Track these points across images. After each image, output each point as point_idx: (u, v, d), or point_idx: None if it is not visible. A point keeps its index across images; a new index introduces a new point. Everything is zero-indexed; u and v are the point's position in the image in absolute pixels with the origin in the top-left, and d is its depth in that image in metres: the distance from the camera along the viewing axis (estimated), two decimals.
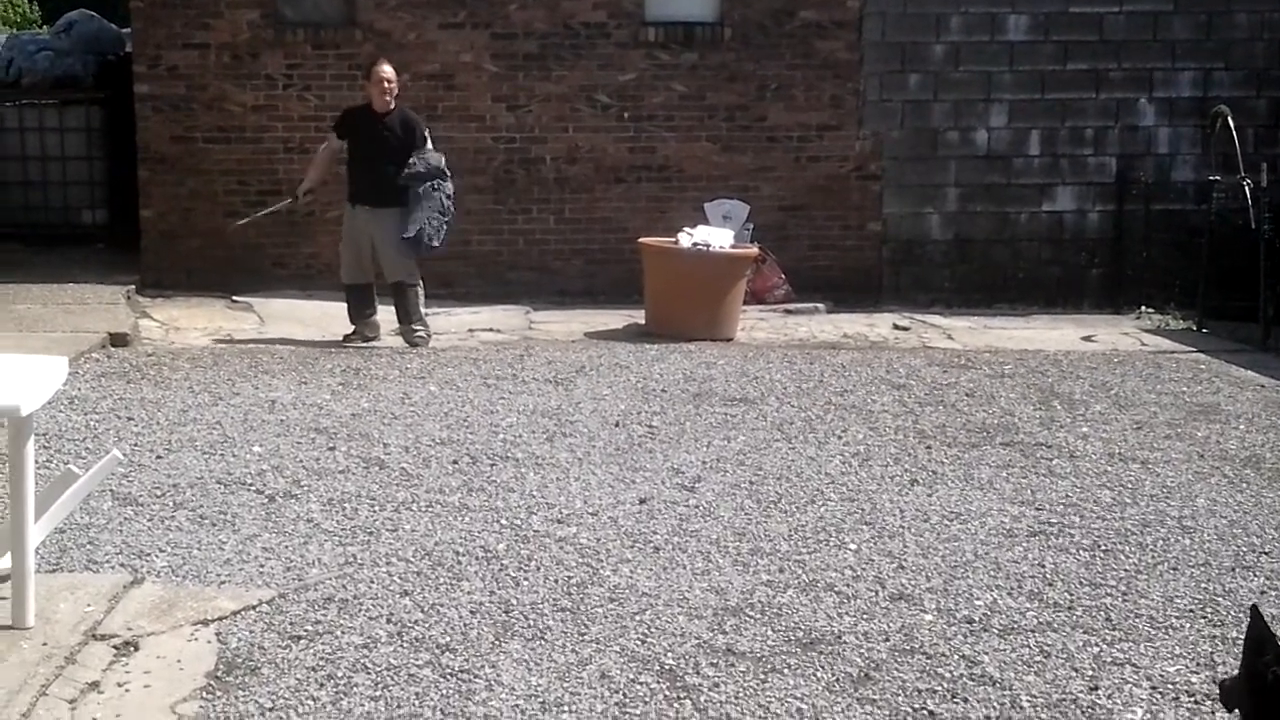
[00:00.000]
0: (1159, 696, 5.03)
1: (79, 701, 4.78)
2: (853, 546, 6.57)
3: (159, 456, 7.82)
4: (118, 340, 10.77)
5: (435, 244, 11.02)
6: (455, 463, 7.83)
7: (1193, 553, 6.59)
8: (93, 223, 14.82)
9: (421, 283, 11.30)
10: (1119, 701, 4.98)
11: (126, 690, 4.89)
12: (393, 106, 11.16)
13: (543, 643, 5.37)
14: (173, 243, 13.24)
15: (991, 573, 6.26)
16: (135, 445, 8.00)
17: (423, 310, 11.33)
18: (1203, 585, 6.16)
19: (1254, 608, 3.51)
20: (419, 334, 11.21)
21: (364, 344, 11.19)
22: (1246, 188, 12.48)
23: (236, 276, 13.06)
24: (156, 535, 6.50)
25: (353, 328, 11.31)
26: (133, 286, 12.64)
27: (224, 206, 13.23)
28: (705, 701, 4.91)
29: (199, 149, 13.19)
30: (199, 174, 13.23)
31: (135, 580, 5.89)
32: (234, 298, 12.74)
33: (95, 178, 14.74)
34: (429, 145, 11.12)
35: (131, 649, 5.22)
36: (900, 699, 4.97)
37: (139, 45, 13.23)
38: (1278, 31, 14.07)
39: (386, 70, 11.16)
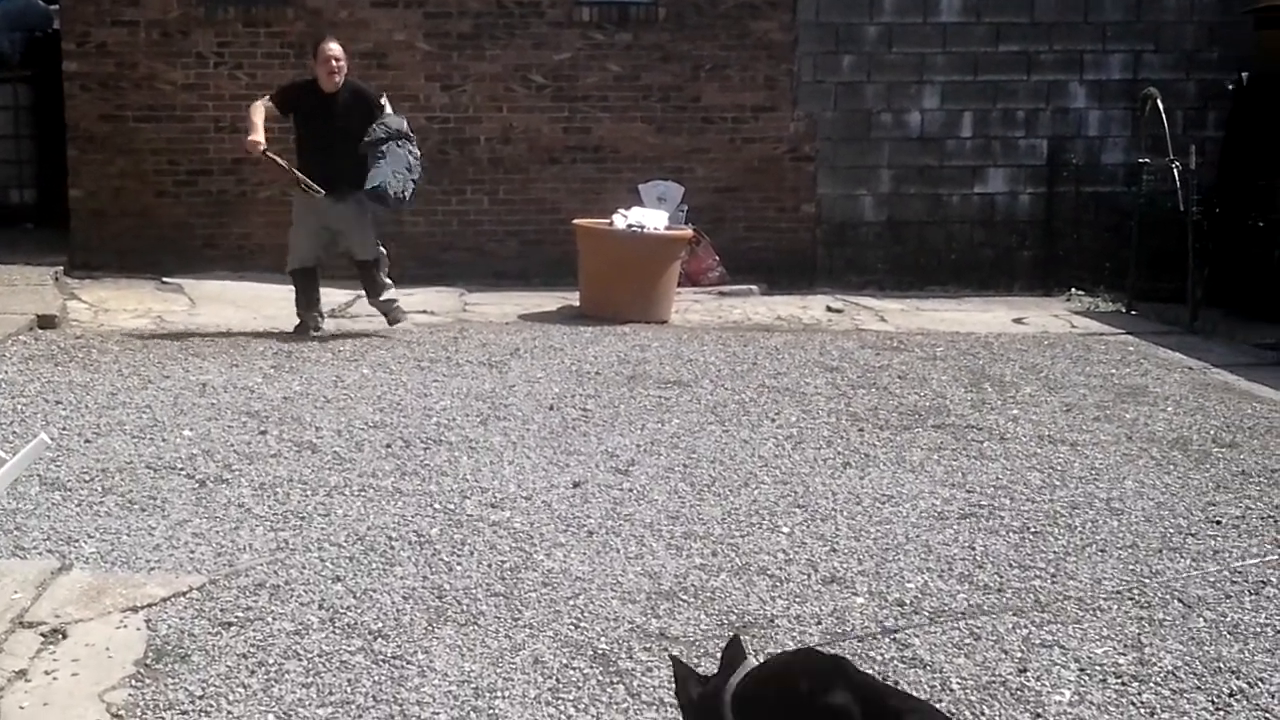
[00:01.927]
0: (1087, 678, 5.09)
1: (6, 690, 4.73)
2: (785, 530, 6.60)
3: (87, 440, 7.74)
4: (45, 322, 10.65)
5: (405, 197, 10.62)
6: (388, 446, 7.80)
7: (1120, 534, 6.66)
8: (20, 202, 14.63)
9: (385, 254, 11.11)
10: (1048, 683, 5.03)
11: (54, 678, 4.84)
12: (340, 84, 10.69)
13: (476, 628, 5.36)
14: (102, 223, 13.10)
15: (923, 555, 6.31)
16: (63, 429, 7.92)
17: (389, 279, 11.12)
18: (1130, 567, 6.23)
19: (674, 658, 4.18)
20: (398, 305, 11.06)
21: (316, 334, 10.85)
22: (1175, 170, 12.59)
23: (167, 257, 12.94)
24: (85, 521, 6.44)
25: (300, 319, 10.93)
26: (61, 267, 12.50)
27: (154, 186, 13.11)
28: (638, 686, 4.92)
29: (129, 128, 13.05)
30: (129, 153, 13.09)
31: (63, 567, 5.83)
32: (164, 279, 12.63)
33: (23, 156, 14.54)
34: (387, 110, 10.77)
35: (59, 636, 5.17)
36: None
37: (67, 22, 13.06)
38: (1207, 14, 14.21)
39: (333, 48, 10.65)
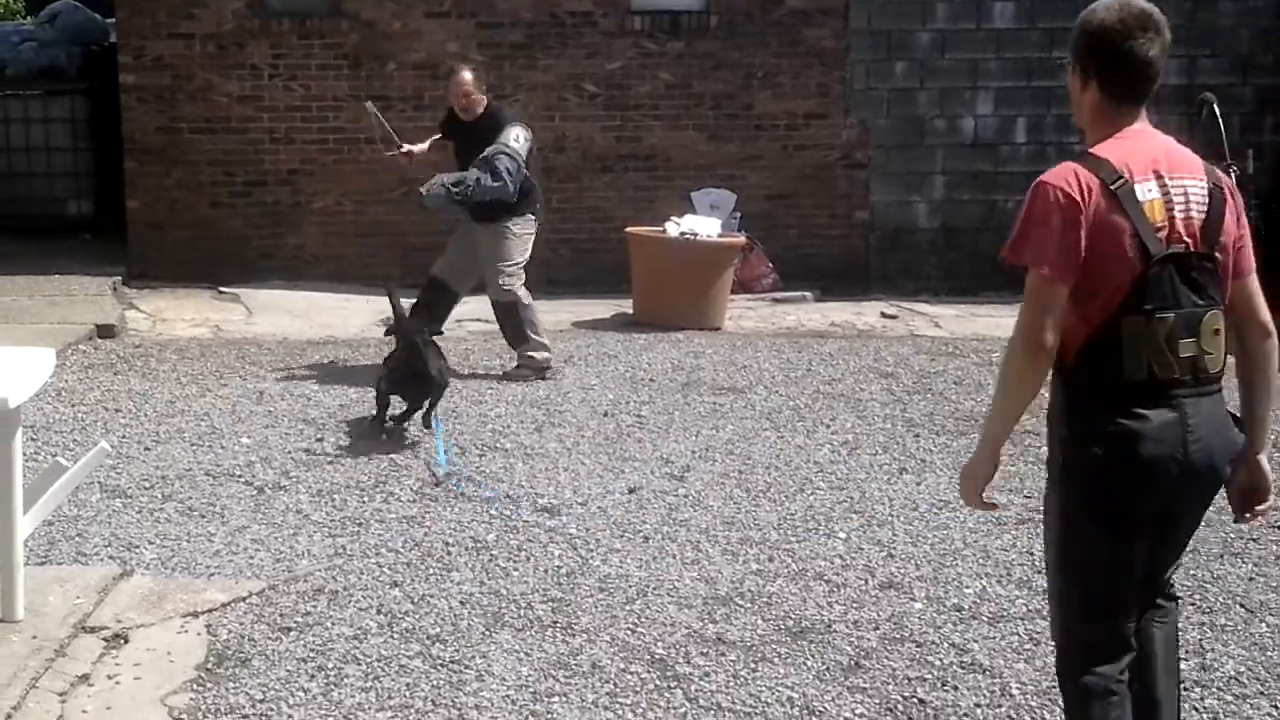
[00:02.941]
0: None
1: (69, 694, 4.79)
2: (842, 535, 6.59)
3: (147, 448, 7.81)
4: (105, 332, 10.74)
5: (427, 192, 9.66)
6: (445, 452, 7.83)
7: None
8: (78, 214, 14.75)
9: (527, 300, 9.95)
10: None
11: (117, 682, 4.89)
12: (481, 113, 9.84)
13: (533, 633, 5.38)
14: (159, 233, 13.19)
15: (980, 560, 6.28)
16: (123, 437, 7.99)
17: (535, 335, 9.91)
18: (1191, 572, 6.18)
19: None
20: (520, 366, 9.87)
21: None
22: (1233, 175, 12.45)
23: (223, 268, 13.02)
24: (145, 527, 6.50)
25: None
26: (119, 278, 12.59)
27: (210, 197, 13.19)
28: (695, 691, 4.92)
29: (185, 139, 13.14)
30: (185, 164, 13.17)
31: (124, 572, 5.90)
32: (221, 289, 12.70)
33: (81, 169, 14.66)
34: (507, 137, 9.65)
35: (121, 641, 5.23)
36: (890, 687, 4.99)
37: (123, 35, 13.17)
38: (1262, 18, 14.08)
39: (462, 78, 9.79)
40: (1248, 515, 4.04)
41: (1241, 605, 5.83)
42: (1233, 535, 6.67)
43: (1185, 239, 3.70)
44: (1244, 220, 3.89)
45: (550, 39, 13.36)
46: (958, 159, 13.95)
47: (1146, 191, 3.69)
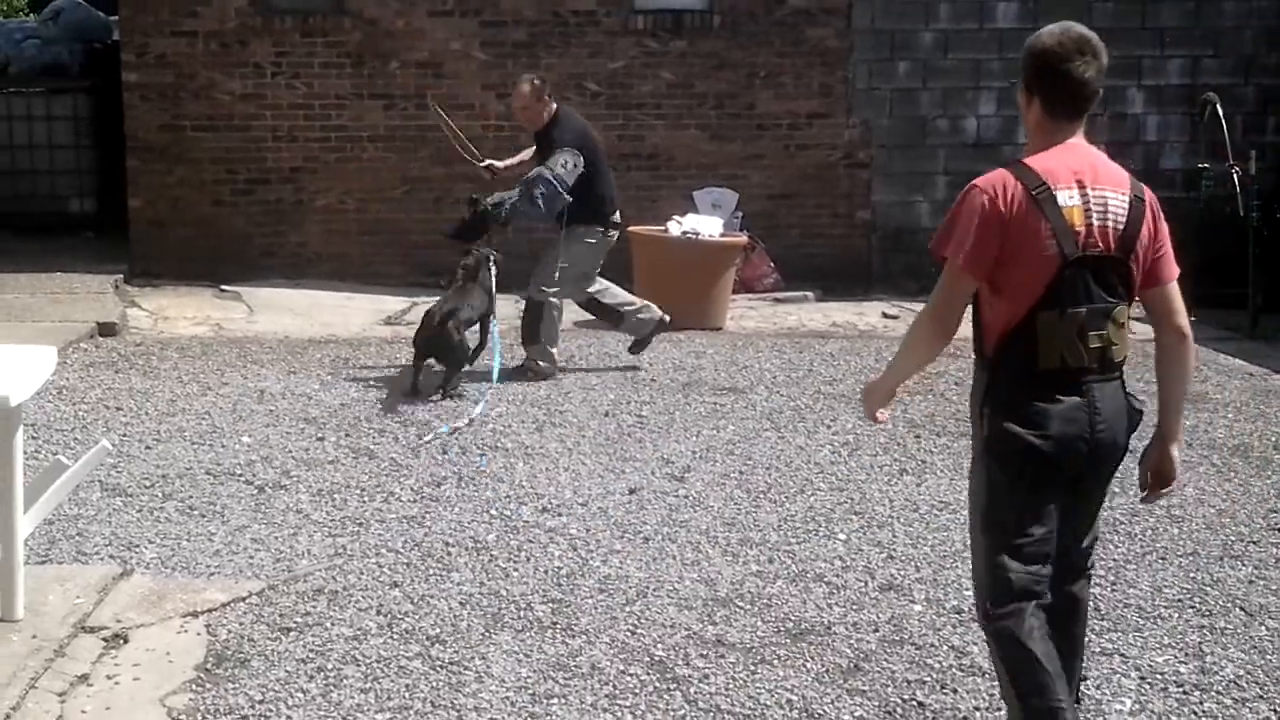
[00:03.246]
0: (1148, 686, 5.06)
1: (68, 694, 4.78)
2: (842, 536, 6.58)
3: (148, 447, 7.81)
4: (106, 330, 10.74)
5: (485, 206, 9.77)
6: (445, 453, 7.83)
7: (1181, 542, 6.61)
8: (81, 211, 14.76)
9: (556, 309, 9.84)
10: (1108, 692, 5.00)
11: (116, 683, 4.89)
12: (546, 123, 9.75)
13: (532, 634, 5.38)
14: (161, 231, 13.20)
15: None
16: (124, 435, 7.99)
17: (548, 344, 9.82)
18: (1191, 575, 6.18)
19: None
20: (524, 366, 9.88)
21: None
22: (1235, 175, 12.48)
23: (225, 266, 13.03)
24: (145, 526, 6.50)
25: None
26: (121, 276, 12.60)
27: (212, 195, 13.20)
28: (695, 693, 4.92)
29: (187, 137, 13.15)
30: (187, 162, 13.18)
31: (124, 572, 5.90)
32: (223, 287, 12.71)
33: (83, 166, 14.67)
34: (558, 153, 9.48)
35: (121, 641, 5.23)
36: (890, 690, 4.99)
37: (126, 33, 13.18)
38: (1266, 18, 14.08)
39: (518, 91, 9.83)
40: (1151, 497, 4.57)
41: (1241, 608, 5.82)
42: (1233, 539, 6.68)
43: (1100, 244, 4.09)
44: (1164, 231, 4.31)
45: (553, 38, 13.37)
46: (960, 159, 13.93)
47: (1068, 199, 4.08)
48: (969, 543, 4.49)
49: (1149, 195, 4.28)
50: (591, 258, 9.89)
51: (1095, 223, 4.09)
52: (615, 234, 10.08)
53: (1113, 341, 4.16)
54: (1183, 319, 4.34)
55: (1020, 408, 4.11)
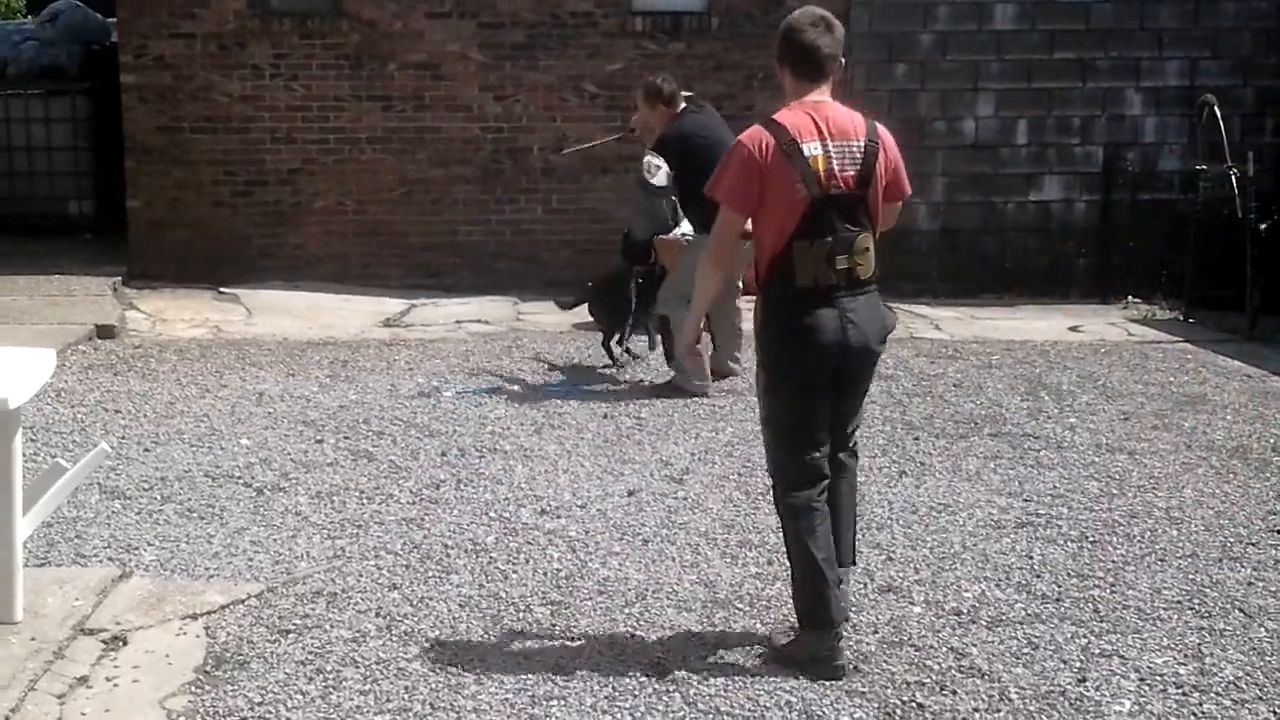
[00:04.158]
0: (1147, 688, 5.06)
1: (67, 696, 4.79)
2: None
3: (147, 449, 7.81)
4: (105, 332, 10.73)
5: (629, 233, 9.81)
6: (443, 455, 7.83)
7: (1180, 544, 6.61)
8: (79, 213, 14.74)
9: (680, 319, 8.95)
10: (1107, 693, 5.01)
11: (115, 685, 4.90)
12: (656, 133, 9.56)
13: (532, 636, 5.38)
14: (159, 233, 13.18)
15: (979, 564, 6.28)
16: (123, 438, 8.00)
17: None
18: (1190, 576, 6.19)
19: None
20: (669, 383, 9.51)
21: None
22: (1233, 177, 12.49)
23: (224, 268, 13.02)
24: (144, 529, 6.50)
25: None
26: (119, 278, 12.58)
27: (210, 197, 13.18)
28: (694, 695, 4.92)
29: (186, 139, 13.13)
30: (186, 164, 13.16)
31: (123, 574, 5.90)
32: (221, 289, 12.69)
33: (81, 168, 14.65)
34: (642, 171, 9.52)
35: (120, 643, 5.23)
36: (889, 691, 4.99)
37: (125, 35, 13.17)
38: (1264, 20, 14.06)
39: (637, 95, 9.79)
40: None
41: (1240, 610, 5.82)
42: (1231, 540, 6.68)
43: (842, 185, 5.03)
44: (897, 160, 5.26)
45: (551, 39, 13.36)
46: (958, 161, 13.93)
47: (812, 149, 5.01)
48: (761, 435, 5.44)
49: (883, 135, 5.18)
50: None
51: (836, 168, 5.01)
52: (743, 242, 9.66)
53: (858, 263, 5.08)
54: (893, 219, 5.41)
55: (786, 320, 5.07)
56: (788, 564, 6.15)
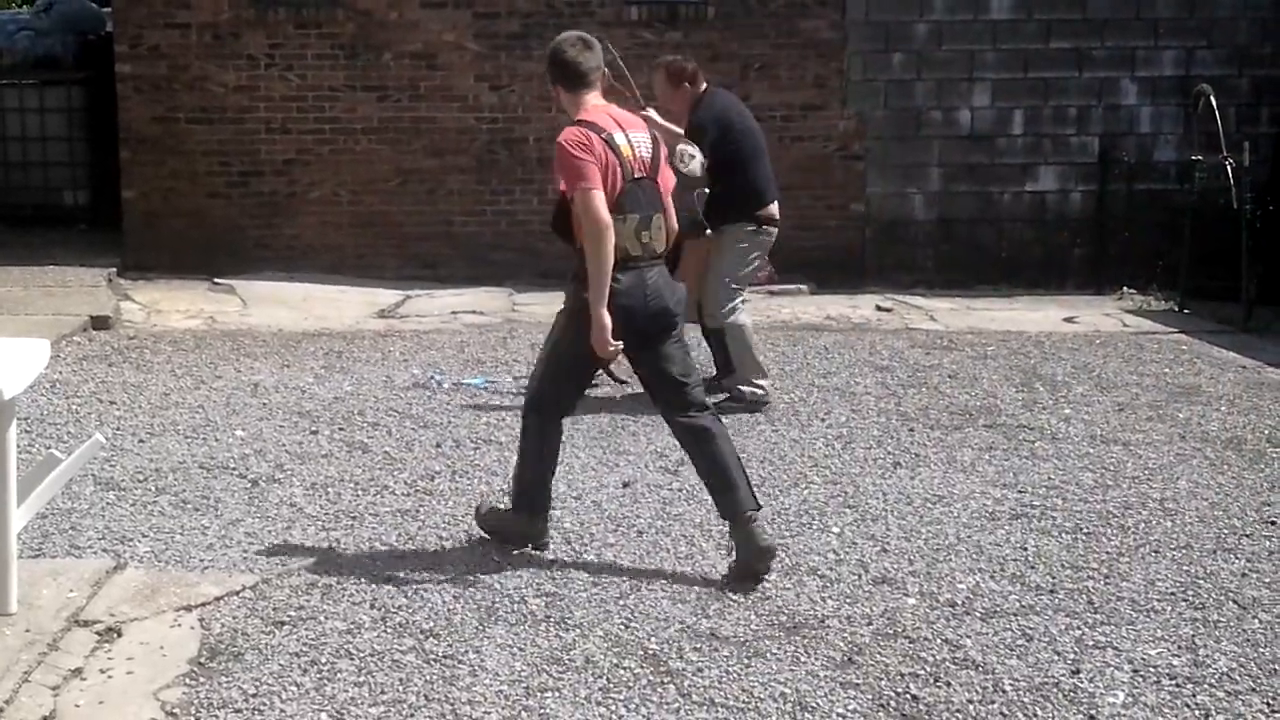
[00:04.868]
0: (1140, 680, 5.06)
1: (62, 688, 4.78)
2: (836, 530, 6.59)
3: (141, 440, 7.81)
4: (99, 323, 10.73)
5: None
6: (439, 446, 7.83)
7: (1174, 535, 6.62)
8: (74, 204, 14.72)
9: (731, 326, 8.84)
10: (1101, 684, 5.01)
11: (110, 677, 4.89)
12: (686, 114, 8.94)
13: (526, 627, 5.38)
14: (154, 224, 13.18)
15: (974, 556, 6.28)
16: (117, 429, 7.99)
17: (745, 366, 8.82)
18: (1184, 568, 6.19)
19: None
20: (729, 398, 8.78)
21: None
22: (1229, 167, 12.49)
23: (219, 258, 13.01)
24: (139, 520, 6.49)
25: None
26: (114, 269, 12.58)
27: (205, 187, 13.18)
28: (689, 686, 4.92)
29: (181, 129, 13.13)
30: (181, 155, 13.16)
31: (118, 566, 5.89)
32: (216, 280, 12.69)
33: (76, 158, 14.63)
34: (685, 152, 8.40)
35: (114, 635, 5.22)
36: (883, 683, 4.99)
37: (120, 25, 13.16)
38: (1260, 10, 14.06)
39: (656, 78, 9.13)
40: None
41: (1234, 601, 5.83)
42: (1225, 531, 6.68)
43: (643, 170, 5.84)
44: (667, 156, 6.15)
45: (547, 29, 13.29)
46: (954, 151, 13.94)
47: (621, 140, 5.79)
48: (541, 356, 6.25)
49: (655, 133, 6.08)
50: (740, 262, 8.92)
51: (638, 155, 5.81)
52: (773, 230, 9.11)
53: (655, 239, 5.87)
54: (674, 218, 6.07)
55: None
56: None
